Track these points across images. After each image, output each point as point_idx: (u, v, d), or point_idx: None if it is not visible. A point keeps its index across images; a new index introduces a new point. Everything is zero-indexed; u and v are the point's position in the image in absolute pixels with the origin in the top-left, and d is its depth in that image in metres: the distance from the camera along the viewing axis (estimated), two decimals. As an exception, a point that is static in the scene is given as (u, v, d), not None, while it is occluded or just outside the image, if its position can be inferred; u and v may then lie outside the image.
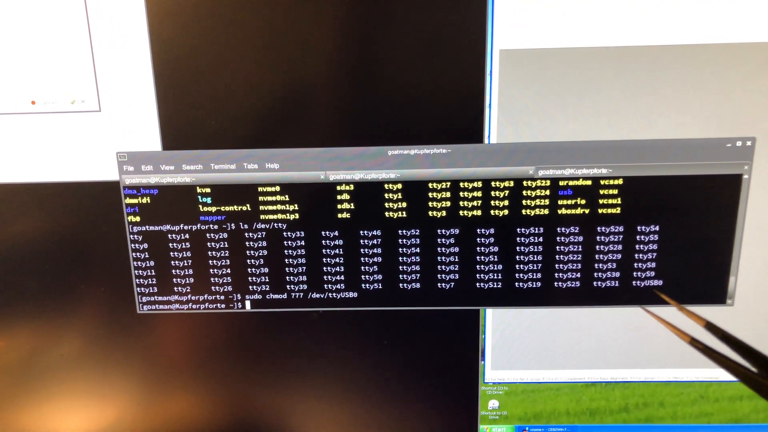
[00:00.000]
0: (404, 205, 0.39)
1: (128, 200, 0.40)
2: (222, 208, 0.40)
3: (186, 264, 0.41)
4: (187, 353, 0.43)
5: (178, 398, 0.44)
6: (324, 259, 0.41)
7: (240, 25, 0.37)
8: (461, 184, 0.39)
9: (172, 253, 0.40)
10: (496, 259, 0.40)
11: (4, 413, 0.44)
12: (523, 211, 0.39)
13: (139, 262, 0.41)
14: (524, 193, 0.39)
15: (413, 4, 0.36)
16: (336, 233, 0.40)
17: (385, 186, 0.39)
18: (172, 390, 0.44)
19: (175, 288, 0.41)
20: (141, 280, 0.41)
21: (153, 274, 0.41)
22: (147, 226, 0.40)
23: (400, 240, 0.40)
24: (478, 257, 0.40)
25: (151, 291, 0.41)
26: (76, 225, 0.40)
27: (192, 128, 0.38)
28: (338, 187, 0.39)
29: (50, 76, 0.38)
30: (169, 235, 0.40)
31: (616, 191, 0.39)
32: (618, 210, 0.39)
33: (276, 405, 0.44)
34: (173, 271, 0.41)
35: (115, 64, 0.38)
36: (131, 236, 0.40)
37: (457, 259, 0.40)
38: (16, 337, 0.42)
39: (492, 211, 0.39)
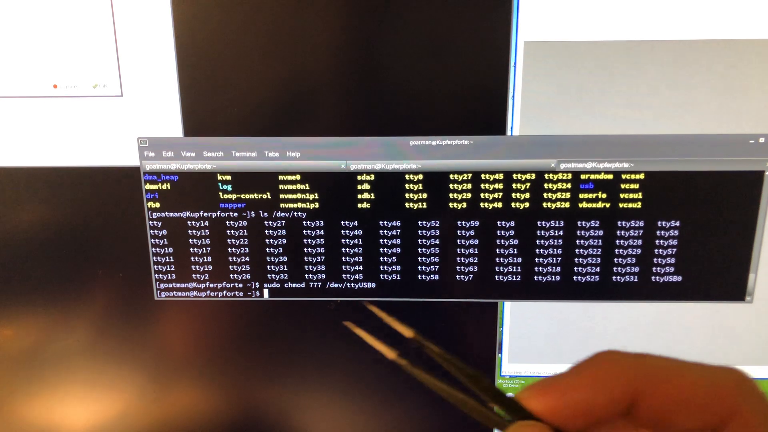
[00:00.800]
0: (425, 196, 0.39)
1: (148, 186, 0.40)
2: (242, 196, 0.40)
3: (205, 251, 0.41)
4: (204, 341, 0.43)
5: (191, 385, 0.44)
6: (343, 249, 0.40)
7: (264, 12, 0.37)
8: (482, 176, 0.39)
9: (191, 240, 0.40)
10: (515, 252, 0.40)
11: (20, 400, 0.44)
12: (544, 204, 0.39)
13: (157, 249, 0.41)
14: (545, 186, 0.39)
15: (439, -6, 0.36)
16: (356, 223, 0.40)
17: (406, 176, 0.39)
18: (186, 377, 0.44)
19: (194, 275, 0.41)
20: (159, 266, 0.41)
21: (171, 260, 0.41)
22: (167, 213, 0.40)
23: (419, 231, 0.40)
24: (497, 250, 0.40)
25: (170, 278, 0.41)
26: (95, 210, 0.40)
27: (214, 115, 0.38)
28: (359, 177, 0.39)
29: (72, 60, 0.38)
30: (189, 222, 0.40)
31: (637, 186, 0.39)
32: (639, 205, 0.39)
33: (289, 394, 0.44)
34: (192, 258, 0.41)
35: (138, 49, 0.37)
36: (150, 222, 0.40)
37: (476, 252, 0.40)
38: (33, 322, 0.42)
39: (513, 204, 0.39)
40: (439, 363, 0.19)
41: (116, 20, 0.37)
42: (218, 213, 0.40)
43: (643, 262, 0.40)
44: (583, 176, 0.39)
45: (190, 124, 0.39)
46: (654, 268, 0.40)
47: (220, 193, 0.40)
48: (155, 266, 0.41)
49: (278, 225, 0.40)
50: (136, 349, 0.43)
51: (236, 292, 0.41)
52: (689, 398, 0.16)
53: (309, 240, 0.40)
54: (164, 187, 0.40)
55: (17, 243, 0.41)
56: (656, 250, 0.40)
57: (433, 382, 0.19)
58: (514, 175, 0.39)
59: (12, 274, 0.41)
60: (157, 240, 0.40)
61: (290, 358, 0.43)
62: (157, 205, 0.40)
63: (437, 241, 0.40)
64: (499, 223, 0.40)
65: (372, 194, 0.39)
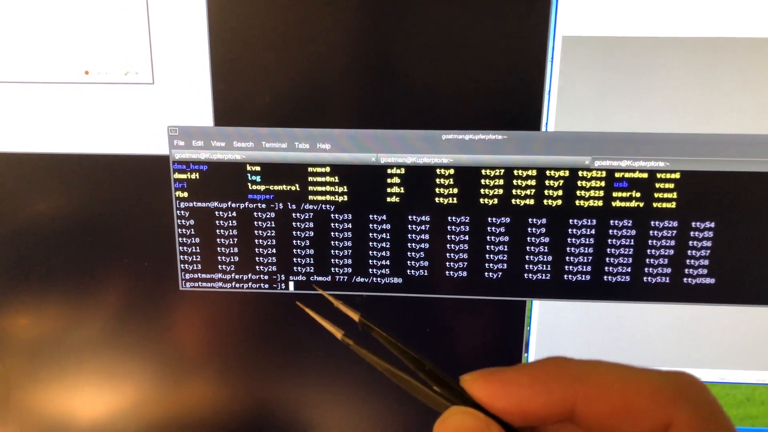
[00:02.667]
0: (455, 191, 0.39)
1: (177, 175, 0.39)
2: (271, 187, 0.39)
3: (231, 242, 0.40)
4: (226, 333, 0.42)
5: (211, 376, 0.43)
6: (370, 243, 0.40)
7: (299, 2, 0.36)
8: (515, 172, 0.38)
9: (218, 231, 0.40)
10: (546, 250, 0.39)
11: (40, 390, 0.44)
12: (577, 202, 0.39)
13: (184, 239, 0.40)
14: (579, 183, 0.38)
15: (475, -13, 0.35)
16: (384, 217, 0.40)
17: (437, 171, 0.39)
18: (206, 369, 0.43)
19: (219, 266, 0.41)
20: (185, 256, 0.41)
21: (198, 251, 0.40)
22: (194, 203, 0.40)
23: (449, 227, 0.39)
24: (528, 247, 0.39)
25: (195, 268, 0.41)
26: (122, 199, 0.40)
27: (244, 104, 0.38)
28: (389, 170, 0.39)
29: (105, 47, 0.38)
30: (216, 213, 0.40)
31: (672, 185, 0.38)
32: (673, 204, 0.38)
33: (310, 388, 0.44)
34: (218, 249, 0.40)
35: (171, 37, 0.37)
36: (178, 212, 0.40)
37: (506, 249, 0.40)
38: (57, 310, 0.42)
39: (545, 201, 0.39)
40: (385, 346, 0.20)
41: (150, 7, 0.37)
42: (246, 204, 0.40)
43: (675, 263, 0.39)
44: (617, 174, 0.38)
45: (220, 113, 0.38)
46: (687, 270, 0.39)
47: (249, 184, 0.39)
48: (181, 256, 0.41)
49: (306, 217, 0.40)
50: (158, 339, 0.43)
51: (261, 284, 0.41)
52: (629, 404, 0.16)
53: (336, 233, 0.40)
54: (193, 176, 0.39)
55: (43, 230, 0.41)
56: (689, 252, 0.39)
57: (378, 362, 0.19)
58: (548, 172, 0.38)
59: (37, 261, 0.41)
60: (183, 230, 0.40)
61: (314, 353, 0.43)
62: (185, 194, 0.40)
63: (467, 237, 0.40)
64: (530, 220, 0.39)
65: (402, 188, 0.39)
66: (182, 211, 0.40)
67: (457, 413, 0.17)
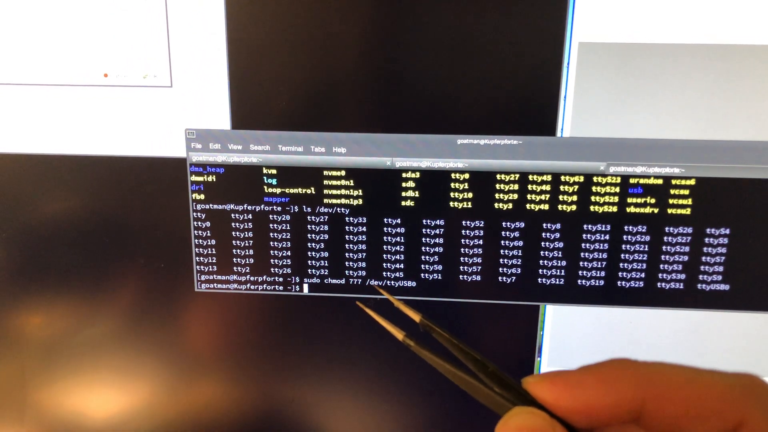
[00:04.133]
0: (470, 195, 0.39)
1: (194, 177, 0.40)
2: (287, 190, 0.40)
3: (247, 244, 0.41)
4: (240, 334, 0.43)
5: (224, 377, 0.44)
6: (384, 247, 0.40)
7: (316, 7, 0.36)
8: (530, 177, 0.38)
9: (233, 233, 0.40)
10: (560, 255, 0.40)
11: (54, 388, 0.44)
12: (591, 208, 0.39)
13: (200, 240, 0.41)
14: (593, 189, 0.38)
15: (492, -7, 0.36)
16: (398, 221, 0.40)
17: (452, 175, 0.39)
18: (219, 369, 0.44)
19: (235, 268, 0.41)
20: (201, 258, 0.41)
21: (213, 252, 0.41)
22: (211, 205, 0.40)
23: (463, 231, 0.40)
24: (542, 252, 0.40)
25: (211, 269, 0.41)
26: (140, 200, 0.40)
27: (261, 108, 0.38)
28: (404, 174, 0.39)
29: (124, 50, 0.38)
30: (233, 215, 0.40)
31: (687, 191, 0.38)
32: (688, 211, 0.38)
33: (322, 390, 0.44)
34: (234, 251, 0.41)
35: (190, 41, 0.38)
36: (194, 214, 0.40)
37: (520, 253, 0.40)
38: (74, 309, 0.43)
39: (559, 206, 0.39)
40: (447, 347, 0.20)
41: (169, 11, 0.37)
42: (262, 206, 0.40)
43: (689, 270, 0.39)
44: (632, 180, 0.38)
45: (238, 116, 0.39)
46: (701, 276, 0.39)
47: (265, 187, 0.40)
48: (197, 258, 0.41)
49: (321, 220, 0.40)
50: (173, 339, 0.43)
51: (276, 286, 0.41)
52: (699, 404, 0.16)
53: (351, 236, 0.40)
54: (210, 179, 0.40)
55: (61, 230, 0.41)
56: (704, 258, 0.39)
57: (440, 363, 0.19)
58: (563, 177, 0.38)
59: (55, 261, 0.42)
60: (200, 232, 0.41)
61: (327, 355, 0.43)
62: (202, 197, 0.40)
63: (481, 242, 0.40)
64: (544, 225, 0.39)
65: (416, 192, 0.39)
66: (198, 213, 0.40)
67: (521, 413, 0.17)
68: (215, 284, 0.41)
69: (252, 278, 0.41)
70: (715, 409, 0.16)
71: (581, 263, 0.40)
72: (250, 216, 0.40)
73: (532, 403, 0.17)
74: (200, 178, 0.40)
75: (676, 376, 0.17)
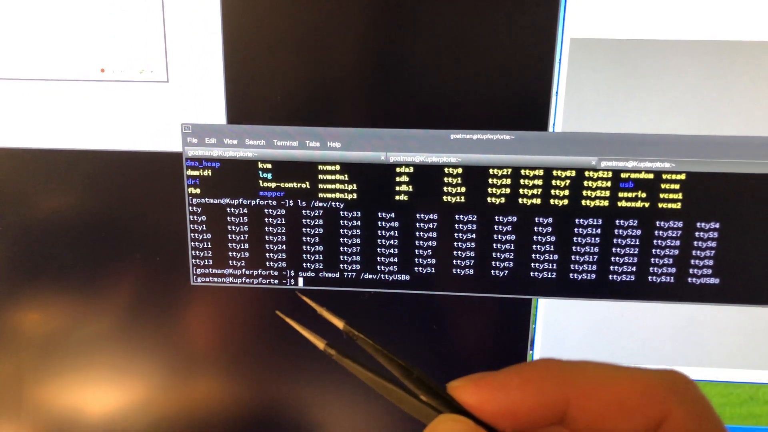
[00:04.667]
0: (463, 190, 0.39)
1: (190, 172, 0.40)
2: (282, 185, 0.40)
3: (242, 238, 0.41)
4: (236, 328, 0.43)
5: (221, 372, 0.44)
6: (379, 241, 0.41)
7: (311, 2, 0.37)
8: (522, 172, 0.39)
9: (229, 227, 0.41)
10: (552, 249, 0.40)
11: (50, 385, 0.45)
12: (583, 202, 0.39)
13: (196, 234, 0.41)
14: (585, 183, 0.39)
15: (485, -11, 0.36)
16: (392, 215, 0.40)
17: (445, 170, 0.39)
18: (216, 364, 0.44)
19: (230, 261, 0.41)
20: (197, 251, 0.41)
21: (209, 246, 0.41)
22: (206, 199, 0.40)
23: (456, 225, 0.40)
24: (534, 246, 0.40)
25: (207, 263, 0.41)
26: (136, 194, 0.41)
27: (257, 103, 0.39)
28: (398, 169, 0.39)
29: (121, 45, 0.38)
30: (228, 209, 0.41)
31: (677, 186, 0.39)
32: (678, 205, 0.39)
33: (320, 385, 0.44)
34: (229, 244, 0.41)
35: (186, 36, 0.38)
36: (190, 208, 0.41)
37: (512, 247, 0.40)
38: (69, 305, 0.43)
39: (551, 201, 0.39)
40: (372, 355, 0.19)
41: (165, 7, 0.38)
42: (257, 201, 0.40)
43: (680, 263, 0.40)
44: (623, 175, 0.39)
45: (233, 111, 0.39)
46: (691, 270, 0.40)
47: (260, 181, 0.40)
48: (193, 251, 0.41)
49: (316, 214, 0.40)
50: (169, 333, 0.43)
51: (271, 280, 0.42)
52: (621, 402, 0.16)
53: (345, 230, 0.41)
54: (205, 173, 0.40)
55: (56, 225, 0.41)
56: (694, 252, 0.40)
57: (362, 372, 0.19)
58: (554, 172, 0.39)
59: (51, 256, 0.42)
60: (195, 225, 0.41)
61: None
62: (198, 191, 0.40)
63: (474, 236, 0.40)
64: (537, 219, 0.40)
65: (410, 186, 0.40)
66: (194, 207, 0.41)
67: (444, 421, 0.17)
68: (211, 278, 0.42)
69: (247, 272, 0.42)
70: (638, 404, 0.16)
71: (573, 257, 0.40)
72: (245, 210, 0.41)
73: (458, 409, 0.17)
74: (196, 173, 0.40)
75: (599, 374, 0.17)
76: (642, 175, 0.39)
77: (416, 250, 0.41)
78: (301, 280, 0.42)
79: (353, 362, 0.19)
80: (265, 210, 0.40)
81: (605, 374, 0.17)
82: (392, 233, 0.41)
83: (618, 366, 0.17)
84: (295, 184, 0.40)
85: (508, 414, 0.17)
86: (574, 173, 0.39)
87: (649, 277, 0.40)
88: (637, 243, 0.40)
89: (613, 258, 0.40)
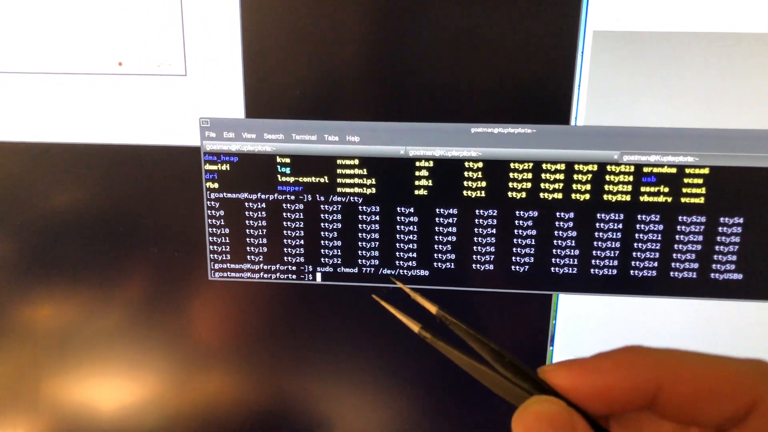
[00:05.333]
0: (484, 184, 0.39)
1: (208, 166, 0.40)
2: (300, 179, 0.40)
3: (261, 233, 0.41)
4: (254, 322, 0.43)
5: (238, 366, 0.44)
6: (398, 236, 0.40)
7: (332, -5, 0.37)
8: (544, 166, 0.38)
9: (247, 222, 0.41)
10: (573, 244, 0.40)
11: (64, 379, 0.45)
12: (605, 196, 0.39)
13: (214, 229, 0.41)
14: (607, 177, 0.38)
15: (507, -19, 0.36)
16: (411, 209, 0.40)
17: (466, 164, 0.39)
18: (233, 357, 0.44)
19: (248, 256, 0.41)
20: (215, 246, 0.41)
21: (227, 241, 0.41)
22: (225, 194, 0.40)
23: (476, 220, 0.40)
24: (555, 241, 0.40)
25: (224, 258, 0.41)
26: (154, 188, 0.40)
27: (276, 97, 0.38)
28: (417, 163, 0.39)
29: (139, 39, 0.38)
30: (246, 204, 0.40)
31: (701, 180, 0.38)
32: (701, 200, 0.38)
33: (336, 380, 0.44)
34: (247, 239, 0.41)
35: (204, 29, 0.38)
36: (208, 202, 0.40)
37: (533, 242, 0.40)
38: (88, 298, 0.43)
39: (573, 195, 0.39)
40: (463, 338, 0.20)
41: (183, 0, 0.37)
42: (275, 195, 0.40)
43: (702, 259, 0.39)
44: (645, 169, 0.38)
45: (252, 105, 0.39)
46: (714, 265, 0.39)
47: (279, 176, 0.40)
48: (211, 246, 0.41)
49: (334, 209, 0.40)
50: (186, 328, 0.43)
51: (289, 275, 0.41)
52: (711, 389, 0.16)
53: (364, 225, 0.40)
54: (224, 167, 0.40)
55: (74, 219, 0.41)
56: (717, 247, 0.39)
57: (457, 355, 0.19)
58: (576, 166, 0.38)
59: (69, 250, 0.42)
60: (213, 220, 0.41)
61: (340, 345, 0.43)
62: (216, 185, 0.40)
63: (494, 231, 0.40)
64: (558, 213, 0.39)
65: (429, 181, 0.39)
66: (212, 202, 0.40)
67: (537, 401, 0.17)
68: (229, 273, 0.42)
69: (265, 267, 0.41)
70: (727, 391, 0.16)
71: (594, 252, 0.40)
72: (263, 205, 0.40)
73: (549, 392, 0.18)
74: (214, 167, 0.40)
75: (690, 360, 0.17)
76: (665, 170, 0.38)
77: (436, 245, 0.40)
78: (319, 275, 0.41)
79: (448, 345, 0.19)
80: (284, 205, 0.40)
81: (696, 361, 0.17)
82: (411, 228, 0.40)
83: (707, 354, 0.17)
84: (313, 178, 0.40)
85: (600, 397, 0.17)
86: (596, 167, 0.38)
87: (671, 273, 0.40)
88: (659, 238, 0.39)
89: (634, 253, 0.40)
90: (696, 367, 0.17)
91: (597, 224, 0.39)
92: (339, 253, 0.41)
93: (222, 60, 0.38)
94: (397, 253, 0.41)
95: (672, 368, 0.17)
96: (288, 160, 0.39)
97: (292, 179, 0.40)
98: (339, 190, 0.40)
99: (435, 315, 0.21)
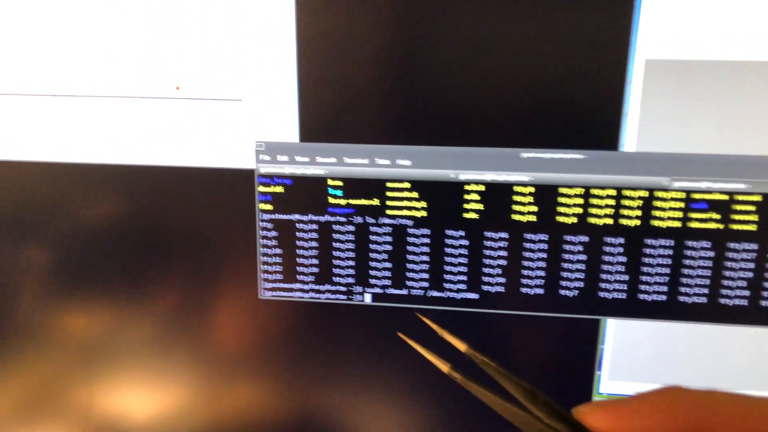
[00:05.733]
0: (534, 209, 0.39)
1: (261, 188, 0.41)
2: (351, 202, 0.40)
3: (312, 254, 0.41)
4: (302, 341, 0.43)
5: (287, 383, 0.44)
6: (447, 258, 0.41)
7: (383, 22, 0.37)
8: (593, 191, 0.39)
9: (298, 242, 0.41)
10: (622, 270, 0.40)
11: (116, 391, 0.46)
12: (654, 222, 0.39)
13: (266, 249, 0.42)
14: (657, 204, 0.39)
15: (557, 5, 0.36)
16: (462, 233, 0.40)
17: (515, 189, 0.39)
18: (282, 375, 0.44)
19: (299, 276, 0.42)
20: (267, 266, 0.42)
21: (279, 261, 0.42)
22: (278, 215, 0.41)
23: (526, 244, 0.40)
24: (604, 266, 0.40)
25: (276, 278, 0.42)
26: (209, 209, 0.41)
27: (328, 121, 0.39)
28: (467, 187, 0.40)
29: (196, 64, 0.39)
30: (298, 225, 0.41)
31: (753, 207, 0.38)
32: (754, 227, 0.38)
33: (384, 400, 0.44)
34: (298, 259, 0.42)
35: (260, 55, 0.39)
36: (261, 224, 0.41)
37: (583, 267, 0.40)
38: (142, 313, 0.44)
39: (622, 221, 0.39)
40: (494, 377, 0.19)
41: (240, 27, 0.38)
42: (326, 217, 0.41)
43: (754, 286, 0.39)
44: (695, 195, 0.38)
45: (306, 129, 0.40)
46: (766, 293, 0.39)
47: (330, 198, 0.40)
48: (263, 266, 0.42)
49: (384, 231, 0.41)
50: (234, 344, 0.44)
51: (339, 295, 0.42)
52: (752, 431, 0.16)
53: (413, 248, 0.41)
54: (277, 190, 0.41)
55: (130, 239, 0.42)
56: (768, 274, 0.39)
57: (487, 395, 0.19)
58: (626, 192, 0.39)
59: (124, 269, 0.43)
60: (266, 241, 0.41)
61: (390, 365, 0.43)
62: (269, 207, 0.41)
63: (544, 255, 0.40)
64: (607, 239, 0.39)
65: (480, 205, 0.40)
66: (265, 223, 0.41)
67: None
68: (279, 292, 0.42)
69: (315, 287, 0.42)
70: None
71: (643, 278, 0.40)
72: (315, 226, 0.41)
73: None
74: (268, 189, 0.41)
75: (731, 403, 0.17)
76: (715, 196, 0.38)
77: (485, 269, 0.41)
78: (368, 297, 0.42)
79: (479, 386, 0.19)
80: (334, 226, 0.41)
81: (739, 404, 0.17)
82: (461, 251, 0.41)
83: (750, 396, 0.17)
84: (364, 201, 0.40)
85: None
86: (646, 193, 0.39)
87: (721, 300, 0.40)
88: (710, 265, 0.39)
89: (684, 279, 0.40)
90: (737, 410, 0.16)
91: (646, 250, 0.39)
92: (389, 275, 0.41)
93: (277, 85, 0.39)
94: (445, 276, 0.41)
95: (715, 412, 0.16)
96: (340, 183, 0.40)
97: (343, 201, 0.40)
98: (389, 212, 0.40)
99: (464, 353, 0.20)
